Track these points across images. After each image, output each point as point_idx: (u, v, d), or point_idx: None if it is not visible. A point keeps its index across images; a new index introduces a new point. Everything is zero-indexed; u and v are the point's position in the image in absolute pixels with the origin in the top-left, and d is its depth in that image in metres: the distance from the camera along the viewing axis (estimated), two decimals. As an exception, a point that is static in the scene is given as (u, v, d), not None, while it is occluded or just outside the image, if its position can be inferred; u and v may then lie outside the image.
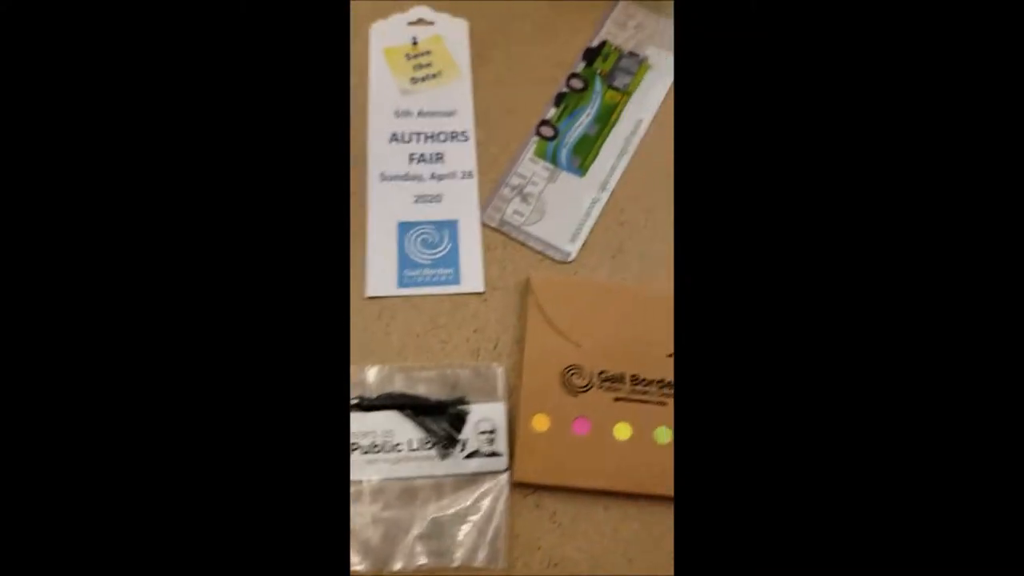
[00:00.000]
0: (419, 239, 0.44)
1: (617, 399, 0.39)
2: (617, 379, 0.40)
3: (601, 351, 0.40)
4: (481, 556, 0.37)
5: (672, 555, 0.38)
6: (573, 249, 0.44)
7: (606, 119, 0.48)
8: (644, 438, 0.39)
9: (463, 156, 0.46)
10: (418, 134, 0.46)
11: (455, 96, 0.48)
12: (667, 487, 0.38)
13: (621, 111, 0.48)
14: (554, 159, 0.46)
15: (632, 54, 0.50)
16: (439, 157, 0.46)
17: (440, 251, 0.43)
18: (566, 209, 0.45)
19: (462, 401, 0.39)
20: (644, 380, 0.40)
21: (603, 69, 0.49)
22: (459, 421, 0.39)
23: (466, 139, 0.46)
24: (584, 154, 0.47)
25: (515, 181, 0.45)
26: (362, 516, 0.37)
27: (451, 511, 0.38)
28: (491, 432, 0.39)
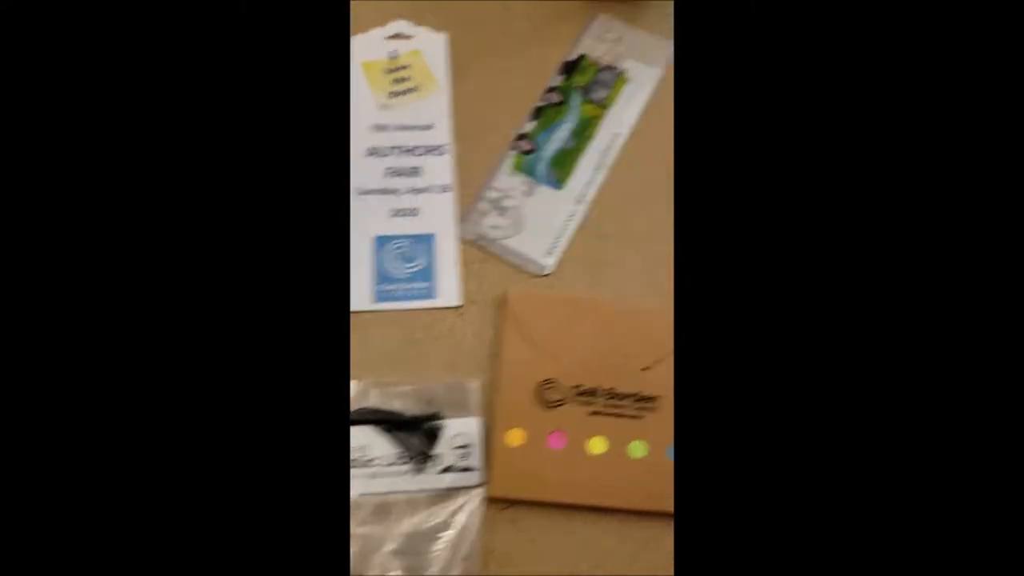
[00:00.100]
0: (396, 253, 0.44)
1: (592, 413, 0.39)
2: (592, 393, 0.40)
3: (576, 365, 0.40)
4: (455, 571, 0.37)
5: (648, 569, 0.38)
6: (550, 263, 0.44)
7: (583, 133, 0.48)
8: (619, 452, 0.39)
9: (441, 170, 0.46)
10: (395, 148, 0.46)
11: (433, 110, 0.48)
12: (641, 501, 0.38)
13: (598, 125, 0.48)
14: (532, 173, 0.46)
15: (610, 67, 0.50)
16: (416, 171, 0.46)
17: (416, 265, 0.43)
18: (543, 223, 0.45)
19: (436, 416, 0.39)
20: (619, 394, 0.40)
21: (581, 83, 0.49)
22: (433, 436, 0.39)
23: (443, 153, 0.46)
24: (562, 167, 0.47)
25: (492, 195, 0.46)
26: (336, 532, 0.37)
27: (426, 526, 0.37)
28: (465, 447, 0.39)
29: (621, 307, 0.42)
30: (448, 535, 0.37)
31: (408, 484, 0.38)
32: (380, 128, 0.47)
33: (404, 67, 0.49)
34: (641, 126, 0.48)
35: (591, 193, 0.46)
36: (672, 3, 0.52)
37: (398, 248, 0.44)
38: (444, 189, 0.45)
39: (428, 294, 0.43)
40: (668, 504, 0.38)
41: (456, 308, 0.43)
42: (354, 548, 0.37)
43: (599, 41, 0.51)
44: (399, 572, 0.36)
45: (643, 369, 0.40)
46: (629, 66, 0.50)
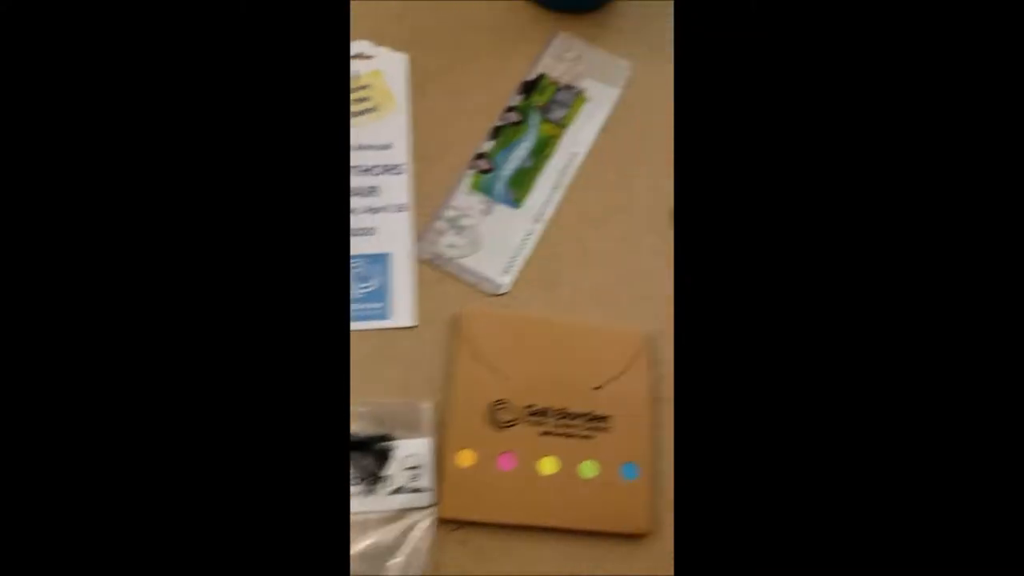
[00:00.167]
0: (350, 273, 0.44)
1: (543, 433, 0.39)
2: (544, 413, 0.40)
3: (529, 385, 0.40)
4: (405, 593, 0.37)
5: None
6: (506, 282, 0.44)
7: (542, 152, 0.48)
8: (570, 473, 0.39)
9: (398, 189, 0.46)
10: (353, 168, 0.47)
11: (392, 129, 0.48)
12: (593, 522, 0.38)
13: (557, 144, 0.48)
14: (490, 191, 0.47)
15: (569, 87, 0.50)
16: (373, 190, 0.46)
17: (370, 286, 0.43)
18: (500, 242, 0.45)
19: (388, 437, 0.39)
20: (571, 414, 0.40)
21: (540, 102, 0.50)
22: (384, 457, 0.39)
23: (401, 172, 0.47)
24: (520, 187, 0.47)
25: (450, 214, 0.46)
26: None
27: (376, 548, 0.37)
28: (416, 468, 0.39)
29: (575, 326, 0.42)
30: (398, 557, 0.37)
31: (358, 505, 0.38)
32: (339, 148, 0.47)
33: (364, 87, 0.49)
34: (599, 145, 0.49)
35: (549, 212, 0.46)
36: (627, 19, 0.52)
37: (353, 268, 0.44)
38: (400, 208, 0.46)
39: (382, 315, 0.43)
40: (619, 524, 0.38)
41: (411, 328, 0.43)
42: (304, 570, 0.37)
43: (559, 60, 0.51)
44: (349, 594, 0.36)
45: (595, 388, 0.41)
46: (588, 85, 0.50)
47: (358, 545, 0.37)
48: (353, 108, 0.49)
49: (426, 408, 0.40)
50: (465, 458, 0.39)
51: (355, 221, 0.45)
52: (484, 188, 0.47)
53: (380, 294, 0.43)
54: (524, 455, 0.39)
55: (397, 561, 0.37)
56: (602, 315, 0.44)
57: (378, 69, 0.50)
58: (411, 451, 0.39)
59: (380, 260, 0.44)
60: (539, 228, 0.46)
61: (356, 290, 0.43)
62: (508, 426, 0.39)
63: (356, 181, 0.46)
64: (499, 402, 0.40)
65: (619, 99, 0.50)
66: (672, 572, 0.38)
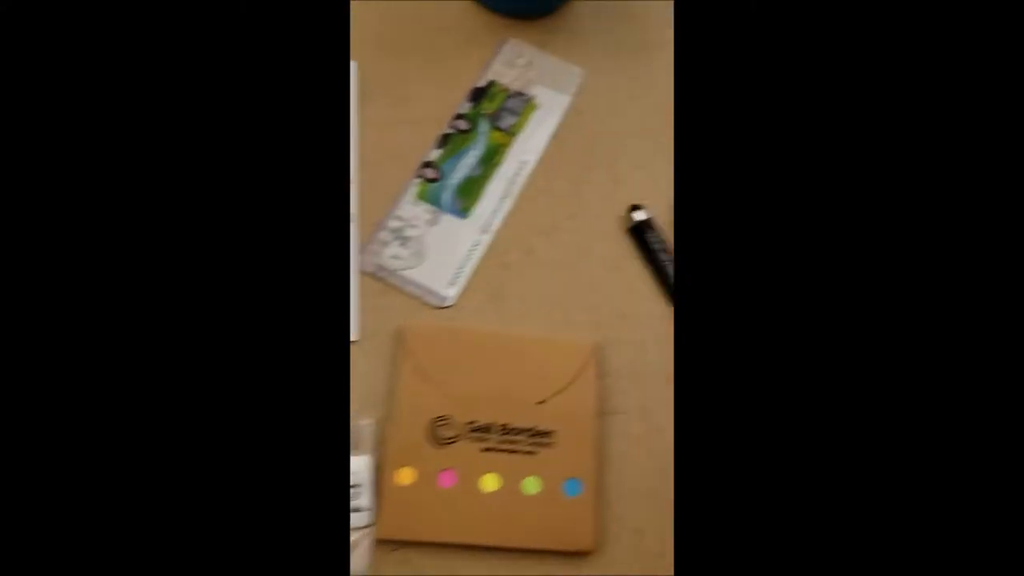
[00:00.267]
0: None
1: (485, 449, 0.39)
2: (486, 429, 0.39)
3: (472, 400, 0.40)
4: (343, 616, 0.36)
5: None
6: (452, 294, 0.43)
7: (491, 160, 0.47)
8: (512, 489, 0.38)
9: (342, 200, 0.45)
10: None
11: (337, 138, 0.47)
12: (536, 539, 0.38)
13: (506, 152, 0.48)
14: (437, 201, 0.46)
15: (519, 94, 0.49)
16: (316, 202, 0.45)
17: (311, 299, 0.42)
18: (446, 253, 0.44)
19: (325, 455, 0.38)
20: (514, 429, 0.39)
21: (489, 109, 0.49)
22: (321, 477, 0.38)
23: (345, 183, 0.46)
24: (468, 196, 0.46)
25: (394, 224, 0.45)
26: None
27: (313, 570, 0.36)
28: (355, 487, 0.38)
29: (521, 339, 0.42)
30: (336, 578, 0.36)
31: (295, 526, 0.37)
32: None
33: (309, 95, 0.48)
34: (550, 153, 0.48)
35: (497, 222, 0.46)
36: (569, 23, 0.52)
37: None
38: (344, 220, 0.45)
39: (323, 329, 0.42)
40: (563, 542, 0.38)
41: (353, 343, 0.42)
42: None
43: (509, 67, 0.50)
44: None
45: (539, 403, 0.40)
46: (539, 92, 0.50)
47: (295, 567, 0.36)
48: (298, 116, 0.47)
49: (366, 425, 0.39)
50: (405, 476, 0.38)
51: (297, 233, 0.44)
52: (430, 198, 0.46)
53: (321, 308, 0.42)
54: (465, 472, 0.38)
55: (335, 583, 0.36)
56: (550, 327, 0.43)
57: (324, 76, 0.49)
58: (350, 469, 0.38)
59: (322, 273, 0.43)
60: (487, 238, 0.45)
61: (296, 304, 0.42)
62: (449, 443, 0.39)
63: (299, 192, 0.45)
64: (441, 418, 0.39)
65: (570, 106, 0.49)
66: (672, 572, 0.37)
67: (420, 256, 0.44)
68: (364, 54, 0.49)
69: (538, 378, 0.40)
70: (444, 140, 0.48)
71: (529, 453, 0.39)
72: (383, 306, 0.43)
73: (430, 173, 0.47)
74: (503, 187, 0.47)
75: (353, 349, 0.42)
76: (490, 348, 0.41)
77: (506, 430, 0.39)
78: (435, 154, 0.47)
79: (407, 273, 0.44)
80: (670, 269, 0.45)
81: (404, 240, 0.44)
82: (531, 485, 0.38)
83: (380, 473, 0.38)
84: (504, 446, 0.39)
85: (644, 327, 0.44)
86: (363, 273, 0.43)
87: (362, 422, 0.39)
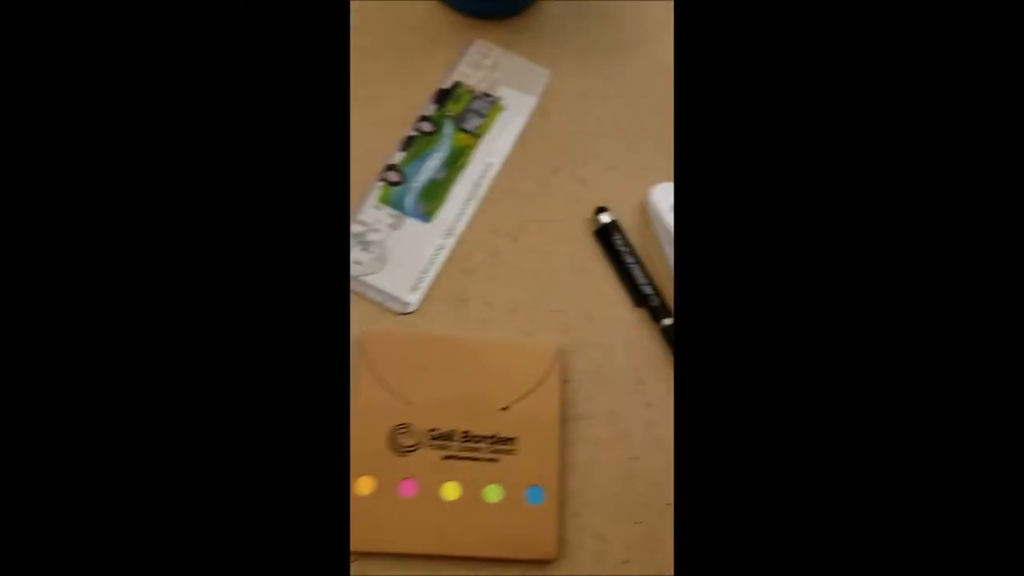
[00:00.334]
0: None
1: (446, 457, 0.38)
2: (447, 436, 0.38)
3: (432, 408, 0.39)
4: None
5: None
6: (414, 299, 0.43)
7: (456, 163, 0.47)
8: (473, 497, 0.38)
9: (303, 205, 0.45)
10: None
11: (299, 142, 0.46)
12: (499, 548, 0.37)
13: (471, 154, 0.47)
14: (399, 205, 0.45)
15: (485, 95, 0.49)
16: (276, 207, 0.44)
17: (269, 306, 0.42)
18: (409, 257, 0.44)
19: (283, 466, 0.38)
20: (475, 436, 0.39)
21: (454, 111, 0.48)
22: (279, 487, 0.37)
23: (306, 187, 0.45)
24: (431, 199, 0.45)
25: (356, 229, 0.44)
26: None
27: (271, 582, 0.36)
28: (313, 497, 0.37)
29: (484, 344, 0.41)
30: (294, 591, 0.36)
31: (252, 538, 0.36)
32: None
33: (271, 98, 0.47)
34: (515, 155, 0.47)
35: (461, 225, 0.45)
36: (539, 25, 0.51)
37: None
38: (306, 225, 0.44)
39: (282, 336, 0.41)
40: (525, 550, 0.37)
41: (314, 349, 0.41)
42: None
43: (475, 68, 0.50)
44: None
45: (502, 409, 0.39)
46: (505, 93, 0.49)
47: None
48: (259, 120, 0.47)
49: (325, 434, 0.38)
50: (364, 486, 0.37)
51: (257, 238, 0.43)
52: (393, 201, 0.45)
53: (280, 315, 0.42)
54: (426, 481, 0.38)
55: (294, 595, 0.36)
56: (515, 332, 0.43)
57: (286, 79, 0.48)
58: (308, 480, 0.37)
59: (282, 279, 0.42)
60: (451, 242, 0.44)
61: (254, 311, 0.42)
62: (410, 451, 0.38)
63: (259, 196, 0.45)
64: (401, 426, 0.39)
65: (536, 107, 0.49)
66: (672, 573, 0.37)
67: (382, 261, 0.43)
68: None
69: (501, 383, 0.40)
70: (408, 142, 0.47)
71: (491, 460, 0.38)
72: (344, 312, 0.42)
73: (393, 176, 0.46)
74: (468, 190, 0.46)
75: (314, 356, 0.41)
76: (452, 353, 0.40)
77: (467, 437, 0.39)
78: (398, 157, 0.46)
79: (369, 279, 0.43)
80: (636, 272, 0.44)
81: (366, 245, 0.44)
82: (493, 493, 0.38)
83: (339, 483, 0.38)
84: (465, 454, 0.38)
85: (611, 330, 0.43)
86: (324, 279, 0.43)
87: (321, 431, 0.38)
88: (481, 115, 0.48)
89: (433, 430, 0.39)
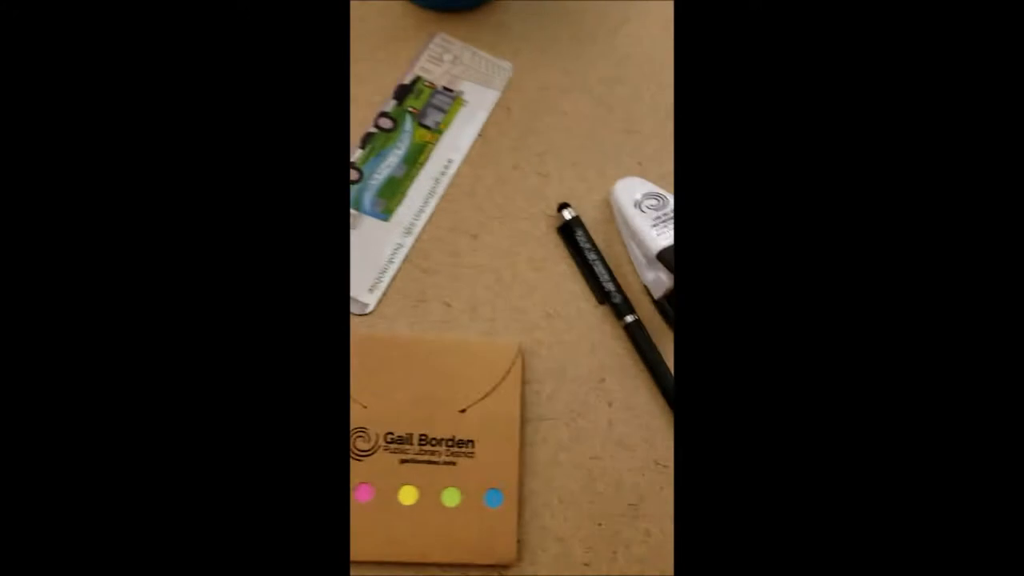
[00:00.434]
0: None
1: (403, 461, 0.37)
2: (404, 440, 0.38)
3: (389, 411, 0.38)
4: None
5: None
6: (372, 300, 0.42)
7: (415, 159, 0.46)
8: (431, 502, 0.37)
9: (258, 204, 0.44)
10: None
11: (255, 140, 0.45)
12: (454, 554, 0.36)
13: (431, 151, 0.46)
14: (357, 204, 0.44)
15: (447, 90, 0.48)
16: (230, 207, 0.43)
17: (222, 309, 0.41)
18: (367, 257, 0.43)
19: (235, 472, 0.37)
20: (433, 439, 0.38)
21: (414, 107, 0.47)
22: (231, 495, 0.36)
23: (261, 186, 0.44)
24: (390, 197, 0.45)
25: (314, 229, 0.43)
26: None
27: (224, 592, 0.35)
28: (266, 504, 0.36)
29: (442, 345, 0.40)
30: (248, 600, 0.35)
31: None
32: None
33: (226, 95, 0.46)
34: (476, 151, 0.47)
35: (420, 224, 0.44)
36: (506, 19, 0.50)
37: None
38: (260, 225, 0.43)
39: (236, 339, 0.40)
40: (483, 555, 0.37)
41: (269, 352, 0.40)
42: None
43: (436, 62, 0.49)
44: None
45: (461, 411, 0.39)
46: (466, 88, 0.48)
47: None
48: (213, 118, 0.46)
49: (279, 439, 0.38)
50: (318, 492, 0.36)
51: (211, 239, 0.42)
52: (351, 200, 0.44)
53: (233, 318, 0.41)
54: (382, 485, 0.37)
55: (247, 604, 0.35)
56: (475, 332, 0.42)
57: (242, 75, 0.47)
58: (261, 486, 0.37)
59: (236, 281, 0.42)
60: (410, 241, 0.44)
61: (206, 315, 0.41)
62: (366, 455, 0.37)
63: (213, 196, 0.44)
64: (357, 430, 0.38)
65: (498, 102, 0.48)
66: (672, 573, 0.36)
67: (339, 261, 0.43)
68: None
69: (460, 385, 0.39)
70: (366, 139, 0.46)
71: (449, 463, 0.38)
72: (300, 314, 0.41)
73: (351, 174, 0.45)
74: (428, 187, 0.45)
75: (270, 359, 0.40)
76: (410, 355, 0.40)
77: (425, 440, 0.38)
78: (356, 154, 0.45)
79: (326, 279, 0.42)
80: (599, 268, 0.43)
81: (323, 245, 0.43)
82: (451, 497, 0.37)
83: (293, 489, 0.37)
84: (423, 457, 0.38)
85: (573, 328, 0.43)
86: (280, 280, 0.42)
87: (275, 436, 0.38)
88: (442, 110, 0.47)
89: (390, 434, 0.38)
